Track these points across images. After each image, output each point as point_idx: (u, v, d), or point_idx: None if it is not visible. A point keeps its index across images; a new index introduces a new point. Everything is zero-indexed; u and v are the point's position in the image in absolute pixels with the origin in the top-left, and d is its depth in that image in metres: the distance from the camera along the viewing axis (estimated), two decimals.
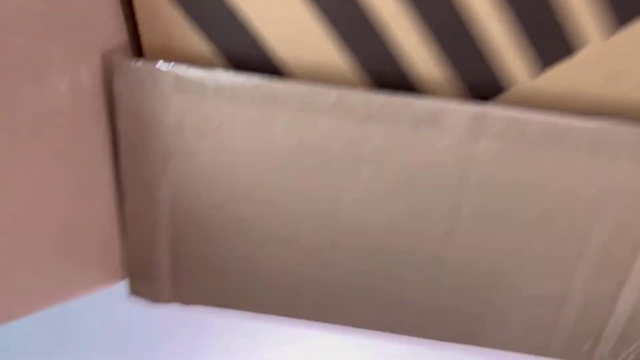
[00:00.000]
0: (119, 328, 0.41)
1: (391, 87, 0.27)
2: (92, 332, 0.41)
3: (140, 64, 0.27)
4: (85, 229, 0.29)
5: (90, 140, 0.28)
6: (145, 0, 0.26)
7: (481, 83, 0.26)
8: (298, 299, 0.31)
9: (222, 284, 0.31)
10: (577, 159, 0.26)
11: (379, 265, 0.29)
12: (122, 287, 0.32)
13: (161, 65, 0.26)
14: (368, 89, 0.26)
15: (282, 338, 0.41)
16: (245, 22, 0.26)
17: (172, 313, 0.33)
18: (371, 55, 0.26)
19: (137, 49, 0.28)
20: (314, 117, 0.26)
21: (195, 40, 0.27)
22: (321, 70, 0.27)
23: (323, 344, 0.41)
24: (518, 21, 0.25)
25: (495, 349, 0.31)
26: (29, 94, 0.24)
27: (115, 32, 0.27)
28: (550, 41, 0.25)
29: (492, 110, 0.25)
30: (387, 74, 0.27)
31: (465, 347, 0.31)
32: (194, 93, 0.27)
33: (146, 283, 0.32)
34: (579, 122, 0.25)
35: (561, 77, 0.26)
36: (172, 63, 0.26)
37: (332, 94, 0.26)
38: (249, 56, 0.27)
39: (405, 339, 0.31)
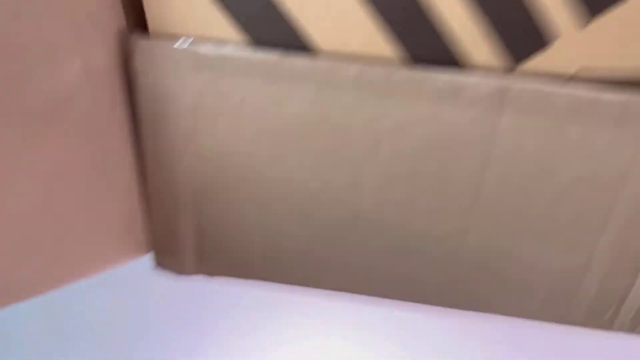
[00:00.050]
0: (145, 300, 0.42)
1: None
2: (118, 305, 0.42)
3: (159, 41, 0.26)
4: (109, 205, 0.30)
5: (108, 120, 0.28)
6: None
7: None
8: (320, 270, 0.31)
9: (245, 256, 0.32)
10: (603, 131, 0.25)
11: (400, 239, 0.29)
12: (147, 260, 0.33)
13: (181, 42, 0.26)
14: (390, 64, 0.26)
15: (305, 310, 0.42)
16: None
17: (197, 285, 0.33)
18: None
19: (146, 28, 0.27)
20: (335, 93, 0.26)
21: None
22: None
23: (346, 314, 0.42)
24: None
25: (516, 317, 0.31)
26: (43, 76, 0.24)
27: (126, 12, 0.27)
28: (522, 34, 0.24)
29: (514, 83, 0.25)
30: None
31: (485, 315, 0.32)
32: (214, 70, 0.26)
33: (171, 256, 0.32)
34: (605, 95, 0.25)
35: (535, 70, 0.25)
36: (191, 39, 0.26)
37: (352, 69, 0.26)
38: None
39: (425, 307, 0.32)
